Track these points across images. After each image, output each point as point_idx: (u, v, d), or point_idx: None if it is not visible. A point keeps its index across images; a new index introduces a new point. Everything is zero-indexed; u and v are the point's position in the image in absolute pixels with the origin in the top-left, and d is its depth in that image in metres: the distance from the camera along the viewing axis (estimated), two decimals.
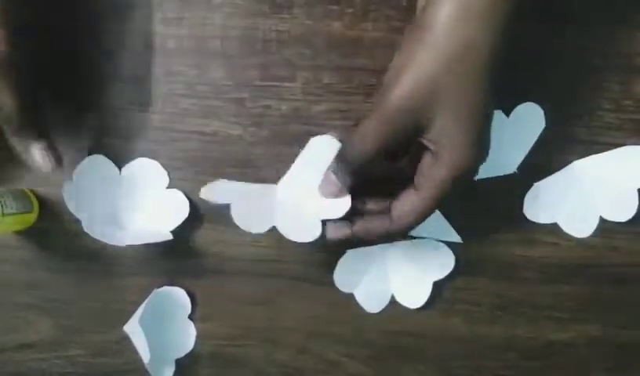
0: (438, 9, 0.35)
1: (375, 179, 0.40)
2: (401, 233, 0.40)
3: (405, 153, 0.41)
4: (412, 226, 0.40)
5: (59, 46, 0.44)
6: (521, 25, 0.43)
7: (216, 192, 0.41)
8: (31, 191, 0.46)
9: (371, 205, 0.42)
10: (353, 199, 0.40)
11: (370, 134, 0.37)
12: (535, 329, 0.48)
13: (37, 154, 0.40)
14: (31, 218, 0.46)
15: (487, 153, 0.39)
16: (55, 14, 0.44)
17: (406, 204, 0.39)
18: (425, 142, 0.37)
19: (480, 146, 0.38)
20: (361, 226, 0.41)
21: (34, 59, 0.42)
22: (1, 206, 0.41)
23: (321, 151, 0.41)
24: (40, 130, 0.41)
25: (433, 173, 0.38)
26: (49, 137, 0.41)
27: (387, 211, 0.40)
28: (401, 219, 0.39)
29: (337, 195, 0.40)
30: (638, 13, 0.44)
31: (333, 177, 0.40)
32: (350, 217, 0.41)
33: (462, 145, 0.37)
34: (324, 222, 0.41)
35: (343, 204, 0.40)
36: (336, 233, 0.41)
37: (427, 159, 0.38)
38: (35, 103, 0.40)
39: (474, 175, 0.39)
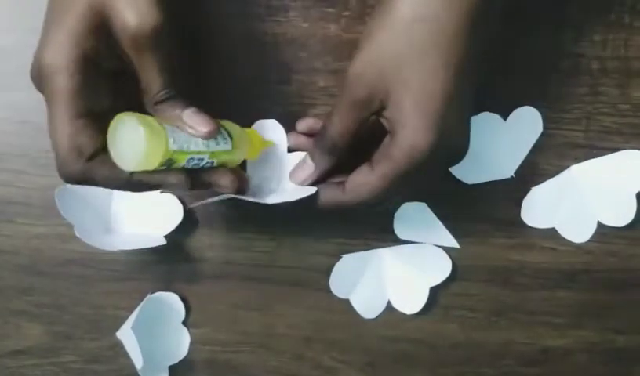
0: None
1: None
2: (352, 206, 0.39)
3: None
4: (363, 201, 0.38)
5: None
6: (518, 29, 0.44)
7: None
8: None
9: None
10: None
11: (336, 113, 0.38)
12: (532, 335, 0.48)
13: (192, 119, 0.36)
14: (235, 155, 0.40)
15: (461, 147, 0.38)
16: None
17: (360, 177, 0.38)
18: (382, 120, 0.37)
19: (440, 133, 0.35)
20: (319, 193, 0.40)
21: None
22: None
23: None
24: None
25: (388, 152, 0.36)
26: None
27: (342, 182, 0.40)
28: (353, 192, 0.38)
29: (308, 179, 0.40)
30: (635, 18, 0.44)
31: (309, 160, 0.40)
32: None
33: (417, 127, 0.35)
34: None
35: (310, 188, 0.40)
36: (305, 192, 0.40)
37: (386, 138, 0.37)
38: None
39: (436, 164, 0.37)
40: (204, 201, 0.41)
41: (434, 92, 0.35)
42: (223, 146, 0.38)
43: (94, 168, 0.35)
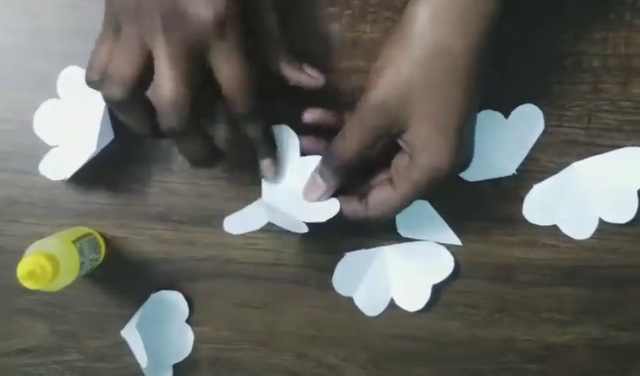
0: (414, 9, 0.36)
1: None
2: (375, 221, 0.41)
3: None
4: (386, 217, 0.41)
5: None
6: (520, 27, 0.44)
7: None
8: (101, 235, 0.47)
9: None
10: None
11: (351, 136, 0.39)
12: (534, 331, 0.48)
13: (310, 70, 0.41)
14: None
15: (470, 157, 0.40)
16: None
17: (382, 195, 0.40)
18: (401, 143, 0.38)
19: (457, 151, 0.37)
20: (341, 205, 0.41)
21: None
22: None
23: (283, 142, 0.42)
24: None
25: (408, 174, 0.38)
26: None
27: (363, 195, 0.41)
28: (377, 209, 0.40)
29: (322, 198, 0.41)
30: (635, 16, 0.44)
31: (319, 179, 0.41)
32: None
33: (437, 149, 0.37)
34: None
35: (332, 207, 0.41)
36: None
37: (403, 158, 0.39)
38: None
39: (452, 178, 0.39)
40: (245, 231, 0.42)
41: (454, 117, 0.37)
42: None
43: (106, 85, 0.35)
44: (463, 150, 0.38)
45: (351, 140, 0.39)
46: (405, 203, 0.40)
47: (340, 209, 0.41)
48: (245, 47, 0.35)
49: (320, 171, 0.41)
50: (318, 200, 0.41)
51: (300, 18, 0.44)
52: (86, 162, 0.44)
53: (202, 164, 0.39)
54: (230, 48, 0.35)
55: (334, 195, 0.42)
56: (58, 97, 0.45)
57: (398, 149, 0.40)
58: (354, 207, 0.41)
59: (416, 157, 0.38)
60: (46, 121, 0.45)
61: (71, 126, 0.45)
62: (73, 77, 0.45)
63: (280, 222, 0.41)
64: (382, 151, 0.40)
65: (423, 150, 0.37)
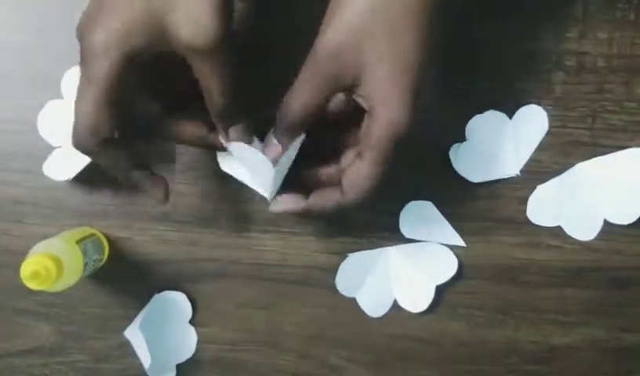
0: None
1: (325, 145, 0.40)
2: (354, 204, 0.38)
3: (348, 115, 0.39)
4: (365, 195, 0.38)
5: None
6: (523, 27, 0.44)
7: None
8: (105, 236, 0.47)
9: (321, 174, 0.41)
10: (303, 169, 0.40)
11: (300, 89, 0.36)
12: (538, 333, 0.48)
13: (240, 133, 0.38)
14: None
15: (427, 109, 0.37)
16: None
17: (354, 172, 0.37)
18: (358, 99, 0.36)
19: (416, 101, 0.35)
20: (315, 200, 0.39)
21: None
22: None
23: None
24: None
25: (371, 134, 0.36)
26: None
27: (337, 181, 0.38)
28: (353, 190, 0.38)
29: (278, 158, 0.39)
30: None
31: (274, 139, 0.39)
32: (302, 188, 0.40)
33: (397, 103, 0.35)
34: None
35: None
36: (290, 205, 0.40)
37: (365, 121, 0.37)
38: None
39: (412, 132, 0.36)
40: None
41: (411, 67, 0.35)
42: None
43: (101, 151, 0.36)
44: (420, 103, 0.36)
45: (301, 94, 0.36)
46: (379, 170, 0.36)
47: (317, 206, 0.39)
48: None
49: (274, 130, 0.39)
50: (275, 159, 0.39)
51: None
52: (90, 162, 0.44)
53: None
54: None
55: (308, 192, 0.39)
56: (62, 97, 0.45)
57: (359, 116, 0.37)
58: (331, 196, 0.38)
59: (373, 111, 0.35)
60: (50, 121, 0.45)
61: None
62: (77, 77, 0.45)
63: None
64: (343, 119, 0.38)
65: (381, 103, 0.35)
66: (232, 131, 0.38)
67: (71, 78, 0.45)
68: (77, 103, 0.35)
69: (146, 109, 0.39)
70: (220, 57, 0.34)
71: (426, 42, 0.35)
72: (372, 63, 0.35)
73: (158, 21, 0.34)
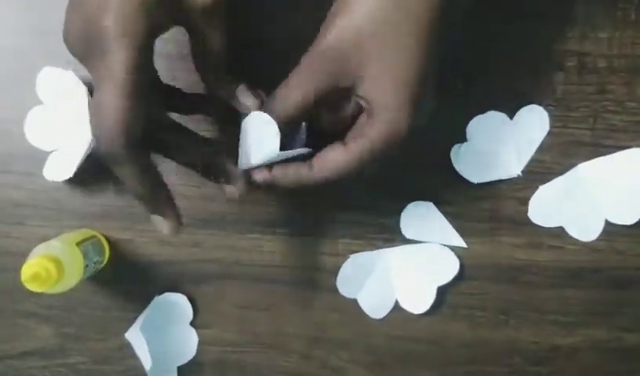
0: None
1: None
2: (319, 183, 0.37)
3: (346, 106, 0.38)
4: (332, 178, 0.37)
5: None
6: (524, 28, 0.44)
7: None
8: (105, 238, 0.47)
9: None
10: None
11: (295, 83, 0.35)
12: (540, 333, 0.48)
13: (244, 96, 0.37)
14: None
15: (425, 118, 0.37)
16: None
17: (331, 154, 0.36)
18: (358, 99, 0.36)
19: (416, 109, 0.35)
20: (279, 170, 0.38)
21: None
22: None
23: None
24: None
25: (364, 131, 0.35)
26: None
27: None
28: (323, 169, 0.37)
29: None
30: None
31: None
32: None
33: (399, 111, 0.35)
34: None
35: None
36: (254, 175, 0.38)
37: (361, 118, 0.36)
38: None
39: (406, 139, 0.36)
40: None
41: (414, 75, 0.34)
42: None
43: (130, 157, 0.32)
44: (423, 116, 0.36)
45: (295, 88, 0.35)
46: (357, 164, 0.36)
47: (275, 176, 0.37)
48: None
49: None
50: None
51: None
52: (89, 162, 0.44)
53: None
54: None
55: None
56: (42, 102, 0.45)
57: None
58: (296, 170, 0.37)
59: (372, 114, 0.35)
60: (37, 128, 0.45)
61: (63, 127, 0.45)
62: (48, 79, 0.44)
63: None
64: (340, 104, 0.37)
65: (382, 108, 0.35)
66: (240, 92, 0.37)
67: (46, 82, 0.44)
68: (96, 103, 0.32)
69: (159, 119, 0.38)
70: (223, 13, 0.34)
71: (429, 48, 0.35)
72: (375, 65, 0.34)
73: None
